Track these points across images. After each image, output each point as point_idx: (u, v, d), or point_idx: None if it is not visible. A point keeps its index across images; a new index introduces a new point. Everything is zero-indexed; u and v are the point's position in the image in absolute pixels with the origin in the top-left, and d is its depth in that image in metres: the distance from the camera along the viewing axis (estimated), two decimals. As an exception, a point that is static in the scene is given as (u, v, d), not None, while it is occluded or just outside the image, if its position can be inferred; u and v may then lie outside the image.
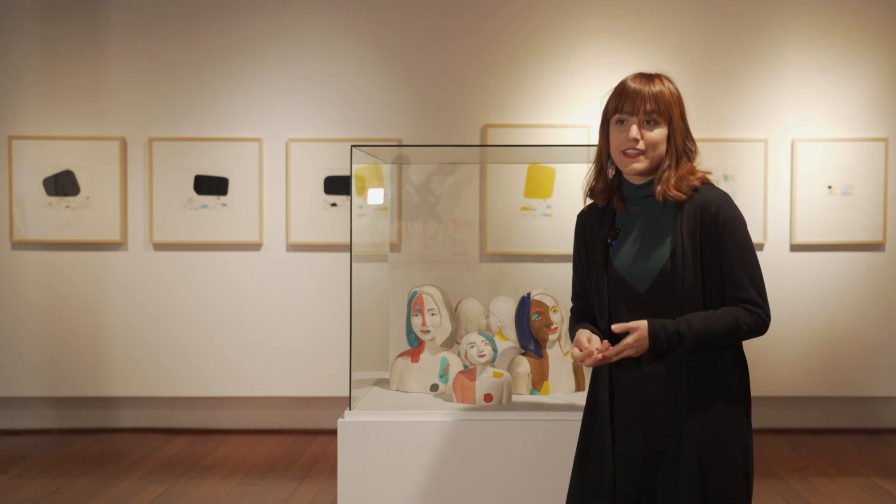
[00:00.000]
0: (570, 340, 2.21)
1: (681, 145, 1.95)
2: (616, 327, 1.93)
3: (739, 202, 2.35)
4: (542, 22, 4.94)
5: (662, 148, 1.95)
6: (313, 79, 4.94)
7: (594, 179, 2.07)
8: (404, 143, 4.82)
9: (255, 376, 4.92)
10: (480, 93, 4.93)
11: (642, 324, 1.90)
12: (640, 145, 1.93)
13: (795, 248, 4.90)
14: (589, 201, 2.14)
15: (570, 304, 2.23)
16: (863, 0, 4.91)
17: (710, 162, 4.64)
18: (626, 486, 1.96)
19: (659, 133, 1.94)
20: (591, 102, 4.87)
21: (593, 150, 3.14)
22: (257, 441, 4.81)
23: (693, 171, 1.97)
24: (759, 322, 1.91)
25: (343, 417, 2.53)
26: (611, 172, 2.03)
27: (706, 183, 1.98)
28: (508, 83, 4.93)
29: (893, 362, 4.93)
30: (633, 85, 1.95)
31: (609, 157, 2.02)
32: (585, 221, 2.13)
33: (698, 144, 2.02)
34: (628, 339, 1.90)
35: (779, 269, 4.88)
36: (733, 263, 1.91)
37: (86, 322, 4.92)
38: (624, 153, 1.95)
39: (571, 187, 4.52)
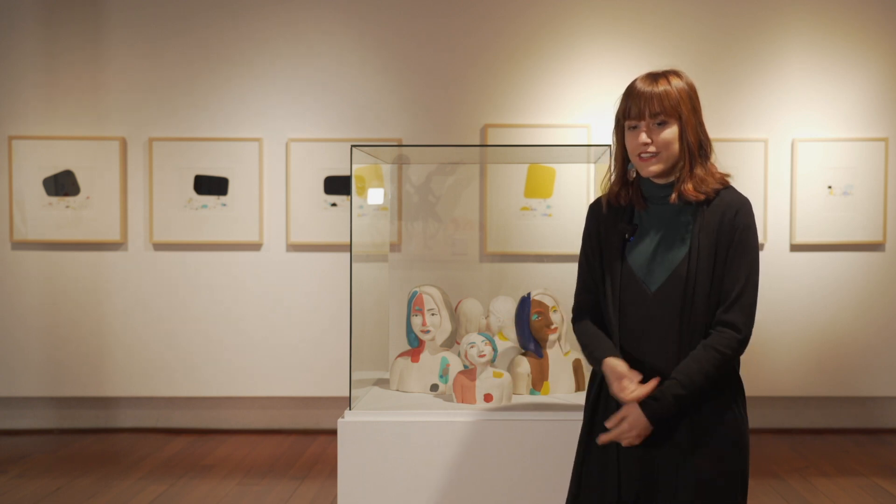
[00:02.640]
0: (570, 340, 2.19)
1: (693, 142, 1.93)
2: (605, 432, 1.95)
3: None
4: (542, 22, 4.94)
5: (676, 146, 1.93)
6: (313, 79, 4.94)
7: (616, 185, 2.04)
8: (404, 143, 4.81)
9: (255, 376, 4.92)
10: (480, 93, 4.93)
11: (632, 409, 1.90)
12: (652, 148, 1.93)
13: (795, 248, 4.90)
14: (599, 193, 2.11)
15: (569, 304, 2.20)
16: (863, 0, 4.91)
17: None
18: (629, 485, 1.96)
19: (670, 132, 1.93)
20: (591, 102, 4.88)
21: (593, 150, 3.11)
22: (257, 441, 4.81)
23: (712, 173, 1.95)
24: (737, 347, 1.89)
25: (343, 417, 2.52)
26: (632, 174, 2.01)
27: (727, 186, 1.97)
28: (508, 83, 4.93)
29: (893, 362, 4.93)
30: (639, 87, 1.94)
31: (628, 160, 2.01)
32: (599, 213, 2.09)
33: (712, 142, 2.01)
34: (623, 426, 1.90)
35: (779, 269, 4.88)
36: (730, 277, 1.90)
37: (86, 322, 4.92)
38: (639, 157, 1.95)
39: (571, 187, 4.52)
